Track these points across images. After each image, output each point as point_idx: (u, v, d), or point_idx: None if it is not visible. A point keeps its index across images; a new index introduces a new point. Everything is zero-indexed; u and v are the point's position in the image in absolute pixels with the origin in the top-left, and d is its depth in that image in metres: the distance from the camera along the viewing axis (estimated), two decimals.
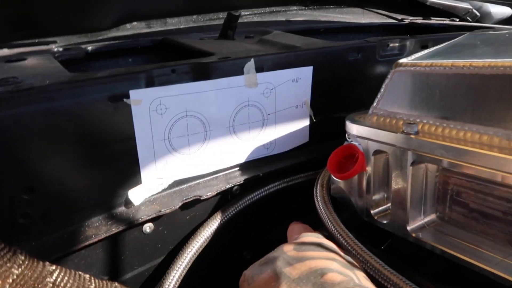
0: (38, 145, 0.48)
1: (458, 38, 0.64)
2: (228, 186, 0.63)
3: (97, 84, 0.51)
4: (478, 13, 1.42)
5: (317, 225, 0.56)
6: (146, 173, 0.57)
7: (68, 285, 0.31)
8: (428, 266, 0.52)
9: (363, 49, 0.74)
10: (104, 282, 0.35)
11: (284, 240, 0.65)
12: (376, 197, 0.56)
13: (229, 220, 0.61)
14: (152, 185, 0.58)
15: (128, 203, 0.57)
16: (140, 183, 0.57)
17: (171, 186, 0.60)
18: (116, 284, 0.36)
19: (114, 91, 0.52)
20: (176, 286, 0.55)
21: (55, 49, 0.75)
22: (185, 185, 0.62)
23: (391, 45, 0.77)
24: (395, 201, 0.52)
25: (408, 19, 1.24)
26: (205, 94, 0.58)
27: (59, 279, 0.31)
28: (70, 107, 0.50)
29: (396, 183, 0.51)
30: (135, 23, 0.78)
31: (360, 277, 0.41)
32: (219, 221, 0.60)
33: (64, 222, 0.52)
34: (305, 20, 1.15)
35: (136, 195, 0.56)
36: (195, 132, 0.59)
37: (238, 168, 0.66)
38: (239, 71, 0.61)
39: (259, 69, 0.62)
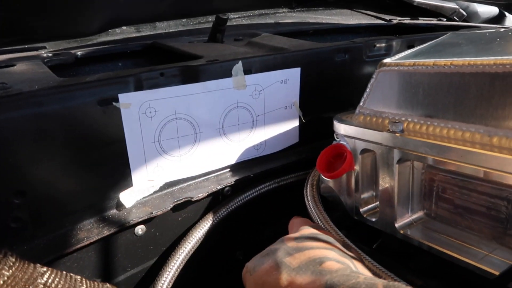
0: (28, 149, 0.49)
1: (441, 37, 0.66)
2: (219, 187, 0.63)
3: (86, 89, 0.52)
4: (465, 13, 1.44)
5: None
6: (137, 176, 0.58)
7: (59, 286, 0.32)
8: (416, 262, 0.53)
9: (350, 49, 0.75)
10: (95, 283, 0.36)
11: (276, 239, 0.66)
12: (364, 195, 0.57)
13: (221, 221, 0.62)
14: (143, 188, 0.59)
15: (119, 205, 0.57)
16: (131, 185, 0.58)
17: (162, 188, 0.61)
18: (108, 285, 0.37)
19: (103, 95, 0.53)
20: (169, 287, 0.56)
21: (44, 55, 0.75)
22: (176, 187, 0.63)
23: (378, 45, 0.78)
24: (383, 199, 0.53)
25: (396, 20, 1.26)
26: (194, 97, 0.59)
27: (50, 280, 0.32)
28: (59, 112, 0.50)
29: (384, 181, 0.52)
30: (124, 27, 0.78)
31: (357, 265, 0.43)
32: (211, 222, 0.61)
33: (55, 225, 0.53)
34: (294, 22, 1.16)
35: (128, 197, 0.57)
36: (185, 134, 0.60)
37: (229, 169, 0.67)
38: (228, 74, 0.61)
39: (247, 71, 0.63)
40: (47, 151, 0.50)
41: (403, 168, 0.51)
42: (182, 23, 1.00)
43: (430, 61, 0.49)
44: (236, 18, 1.09)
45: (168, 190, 0.62)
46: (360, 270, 0.42)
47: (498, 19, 1.67)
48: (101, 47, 0.83)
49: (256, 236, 0.71)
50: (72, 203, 0.54)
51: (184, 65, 0.59)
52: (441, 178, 0.50)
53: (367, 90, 0.56)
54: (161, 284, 0.56)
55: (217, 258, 0.67)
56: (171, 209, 0.59)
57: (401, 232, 0.51)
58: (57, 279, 0.32)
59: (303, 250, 0.42)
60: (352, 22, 1.24)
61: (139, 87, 0.55)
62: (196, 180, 0.64)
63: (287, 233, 0.65)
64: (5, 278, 0.29)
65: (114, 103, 0.53)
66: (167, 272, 0.56)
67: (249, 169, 0.68)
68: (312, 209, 0.57)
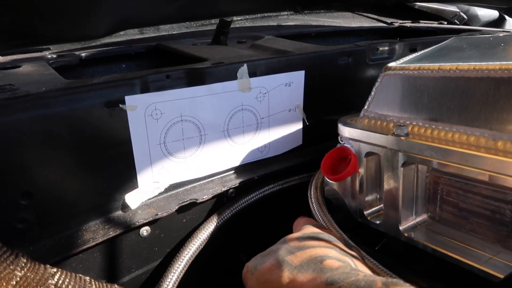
0: (35, 151, 0.49)
1: (445, 41, 0.66)
2: (224, 189, 0.64)
3: (93, 91, 0.52)
4: (465, 16, 1.45)
5: None
6: (143, 177, 0.58)
7: (70, 286, 0.32)
8: (420, 264, 0.54)
9: (354, 53, 0.75)
10: (104, 284, 0.36)
11: None
12: (368, 198, 0.57)
13: (225, 223, 0.62)
14: (149, 189, 0.59)
15: (125, 207, 0.57)
16: (137, 187, 0.58)
17: (167, 189, 0.61)
18: (116, 286, 0.37)
19: (110, 97, 0.53)
20: None
21: (49, 56, 0.76)
22: (181, 189, 0.63)
23: (381, 49, 0.79)
24: (387, 201, 0.53)
25: (397, 23, 1.26)
26: (199, 99, 0.59)
27: (60, 281, 0.32)
28: (66, 113, 0.50)
29: (388, 184, 0.52)
30: (128, 29, 0.79)
31: (357, 264, 0.43)
32: (215, 224, 0.61)
33: (61, 226, 0.53)
34: (296, 24, 1.17)
35: (133, 199, 0.57)
36: (190, 136, 0.60)
37: (233, 171, 0.67)
38: (233, 76, 0.62)
39: (252, 74, 0.63)
40: (54, 152, 0.50)
41: (408, 171, 0.51)
42: (185, 25, 1.00)
43: (435, 65, 0.50)
44: (238, 21, 1.10)
45: (173, 192, 0.62)
46: (360, 269, 0.42)
47: (498, 22, 1.67)
48: (105, 48, 0.84)
49: (260, 238, 0.71)
50: (78, 204, 0.54)
51: (190, 68, 0.59)
52: (445, 181, 0.51)
53: (372, 93, 0.56)
54: (165, 285, 0.56)
55: (221, 259, 0.68)
56: (176, 210, 0.59)
57: (405, 234, 0.52)
58: (67, 280, 0.33)
59: (304, 248, 0.43)
60: (354, 25, 1.24)
61: (145, 89, 0.55)
62: (201, 182, 0.65)
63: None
64: (18, 279, 0.29)
65: (120, 105, 0.53)
66: (172, 274, 0.57)
67: (253, 171, 0.68)
68: (316, 211, 0.57)
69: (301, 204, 0.60)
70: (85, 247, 0.52)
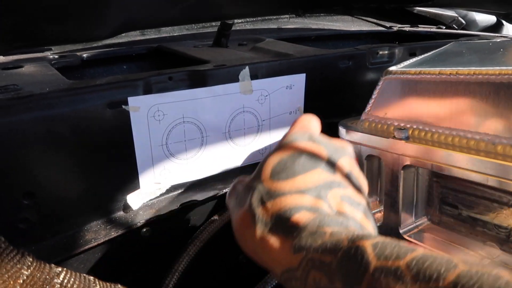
0: (37, 151, 0.49)
1: (445, 46, 0.67)
2: (225, 190, 0.64)
3: (96, 91, 0.52)
4: (463, 21, 1.46)
5: None
6: (144, 178, 0.58)
7: (75, 286, 0.32)
8: None
9: (354, 56, 0.76)
10: (107, 284, 0.36)
11: None
12: (368, 200, 0.58)
13: (226, 224, 0.62)
14: (150, 190, 0.59)
15: (126, 207, 0.57)
16: (139, 188, 0.58)
17: (168, 190, 0.62)
18: (119, 285, 0.37)
19: (113, 98, 0.53)
20: None
21: (51, 56, 0.76)
22: (182, 190, 0.63)
23: (381, 52, 0.80)
24: (387, 204, 0.54)
25: (396, 27, 1.27)
26: (201, 101, 0.60)
27: (65, 280, 0.32)
28: (69, 114, 0.51)
29: (388, 187, 0.53)
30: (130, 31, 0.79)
31: (333, 202, 0.39)
32: (216, 225, 0.61)
33: (63, 226, 0.53)
34: (296, 28, 1.18)
35: (135, 199, 0.57)
36: (192, 137, 0.61)
37: (234, 173, 0.68)
38: (235, 78, 0.62)
39: (253, 76, 0.64)
40: (56, 153, 0.51)
41: (408, 174, 0.52)
42: (186, 27, 1.01)
43: (435, 70, 0.50)
44: (239, 23, 1.10)
45: (174, 193, 0.62)
46: (332, 205, 0.38)
47: (496, 27, 1.69)
48: (106, 49, 0.84)
49: None
50: (80, 204, 0.54)
51: (192, 70, 0.59)
52: (445, 184, 0.51)
53: (373, 97, 0.57)
54: (166, 286, 0.56)
55: (221, 260, 0.68)
56: (177, 211, 0.59)
57: (405, 237, 0.52)
58: (72, 279, 0.33)
59: (275, 196, 0.38)
60: (353, 29, 1.25)
61: (148, 91, 0.56)
62: (202, 183, 0.65)
63: None
64: (25, 278, 0.29)
65: (123, 106, 0.54)
66: (173, 274, 0.57)
67: None
68: None
69: None
70: (87, 247, 0.52)
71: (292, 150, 0.41)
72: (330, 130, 0.63)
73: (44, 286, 0.30)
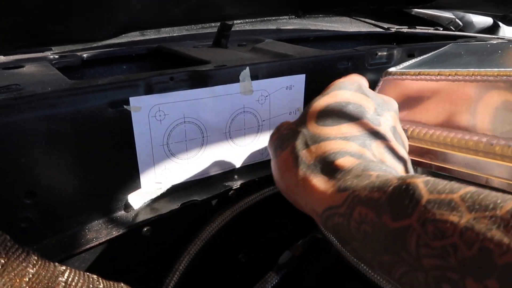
0: (39, 150, 0.49)
1: (443, 48, 0.68)
2: (225, 190, 0.64)
3: (98, 91, 0.53)
4: (460, 23, 1.47)
5: (312, 227, 0.58)
6: (145, 178, 0.58)
7: (79, 284, 0.33)
8: None
9: (353, 57, 0.76)
10: (110, 282, 0.37)
11: (280, 242, 0.67)
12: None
13: (226, 224, 0.63)
14: (151, 190, 0.60)
15: (127, 207, 0.58)
16: (140, 187, 0.59)
17: (169, 190, 0.62)
18: (122, 284, 0.38)
19: (115, 98, 0.54)
20: None
21: (51, 56, 0.76)
22: (183, 190, 0.63)
23: (379, 53, 0.80)
24: None
25: (394, 28, 1.28)
26: (202, 101, 0.60)
27: (70, 279, 0.33)
28: (71, 114, 0.51)
29: None
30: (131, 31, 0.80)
31: (377, 152, 0.39)
32: (216, 224, 0.62)
33: (64, 225, 0.53)
34: (295, 28, 1.18)
35: (136, 199, 0.58)
36: (193, 137, 0.61)
37: (234, 172, 0.68)
38: (235, 79, 0.63)
39: (254, 77, 0.64)
40: (58, 152, 0.51)
41: None
42: (185, 28, 1.01)
43: (435, 71, 0.51)
44: (238, 24, 1.11)
45: (175, 193, 0.63)
46: (377, 155, 0.39)
47: (492, 29, 1.70)
48: (106, 50, 0.84)
49: (260, 239, 0.72)
50: (81, 204, 0.54)
51: (193, 70, 0.60)
52: None
53: None
54: (167, 286, 0.57)
55: (221, 260, 0.68)
56: (178, 211, 0.60)
57: None
58: (76, 278, 0.33)
59: (319, 141, 0.39)
60: (351, 30, 1.26)
61: (149, 91, 0.56)
62: (202, 183, 0.65)
63: (291, 237, 0.66)
64: (30, 276, 0.30)
65: (125, 106, 0.54)
66: (173, 273, 0.57)
67: (254, 173, 0.69)
68: None
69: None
70: (88, 246, 0.53)
71: (340, 98, 0.42)
72: None
73: (49, 284, 0.31)
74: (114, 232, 0.55)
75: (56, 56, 0.76)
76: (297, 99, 0.70)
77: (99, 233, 0.54)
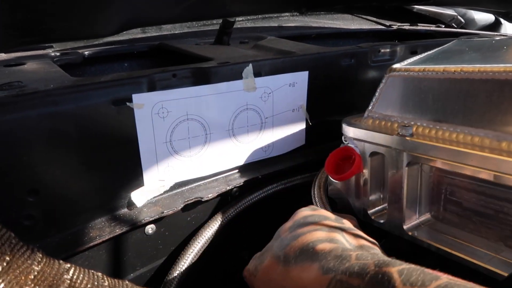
0: (42, 148, 0.49)
1: (447, 44, 0.67)
2: (228, 188, 0.64)
3: (100, 88, 0.52)
4: (462, 20, 1.47)
5: None
6: (148, 176, 0.58)
7: (84, 281, 0.32)
8: (424, 263, 0.54)
9: (356, 54, 0.76)
10: (115, 280, 0.36)
11: None
12: (372, 197, 0.58)
13: (229, 221, 0.63)
14: (154, 187, 0.59)
15: (130, 205, 0.57)
16: (143, 185, 0.58)
17: (172, 188, 0.62)
18: (127, 282, 0.37)
19: (117, 95, 0.53)
20: (178, 286, 0.56)
21: (53, 54, 0.76)
22: (186, 187, 0.63)
23: (382, 50, 0.80)
24: (391, 201, 0.54)
25: (396, 25, 1.27)
26: (205, 98, 0.60)
27: (75, 276, 0.32)
28: (73, 111, 0.51)
29: (392, 184, 0.53)
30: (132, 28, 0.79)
31: (348, 237, 0.44)
32: (219, 222, 0.62)
33: (68, 223, 0.53)
34: (297, 26, 1.18)
35: (139, 197, 0.57)
36: (196, 135, 0.61)
37: (237, 170, 0.68)
38: (238, 76, 0.62)
39: (257, 74, 0.64)
40: (61, 150, 0.51)
41: (412, 171, 0.52)
42: (187, 25, 1.01)
43: (440, 67, 0.50)
44: (240, 21, 1.10)
45: (178, 190, 0.62)
46: (349, 240, 0.44)
47: (494, 26, 1.70)
48: (107, 47, 0.84)
49: (263, 237, 0.72)
50: (84, 201, 0.54)
51: (196, 67, 0.59)
52: (449, 181, 0.52)
53: (376, 94, 0.57)
54: (170, 283, 0.56)
55: (224, 257, 0.68)
56: (181, 209, 0.59)
57: (409, 233, 0.52)
58: (81, 275, 0.33)
59: (296, 238, 0.43)
60: (353, 27, 1.25)
61: (152, 88, 0.56)
62: (206, 181, 0.65)
63: None
64: (35, 273, 0.29)
65: (127, 103, 0.54)
66: (177, 271, 0.57)
67: (257, 170, 0.68)
68: None
69: (304, 203, 0.61)
70: (91, 244, 0.52)
71: (300, 218, 0.48)
72: (330, 127, 0.63)
73: (54, 281, 0.30)
74: (118, 230, 0.54)
75: (58, 53, 0.76)
76: (300, 96, 0.70)
77: (103, 231, 0.54)
